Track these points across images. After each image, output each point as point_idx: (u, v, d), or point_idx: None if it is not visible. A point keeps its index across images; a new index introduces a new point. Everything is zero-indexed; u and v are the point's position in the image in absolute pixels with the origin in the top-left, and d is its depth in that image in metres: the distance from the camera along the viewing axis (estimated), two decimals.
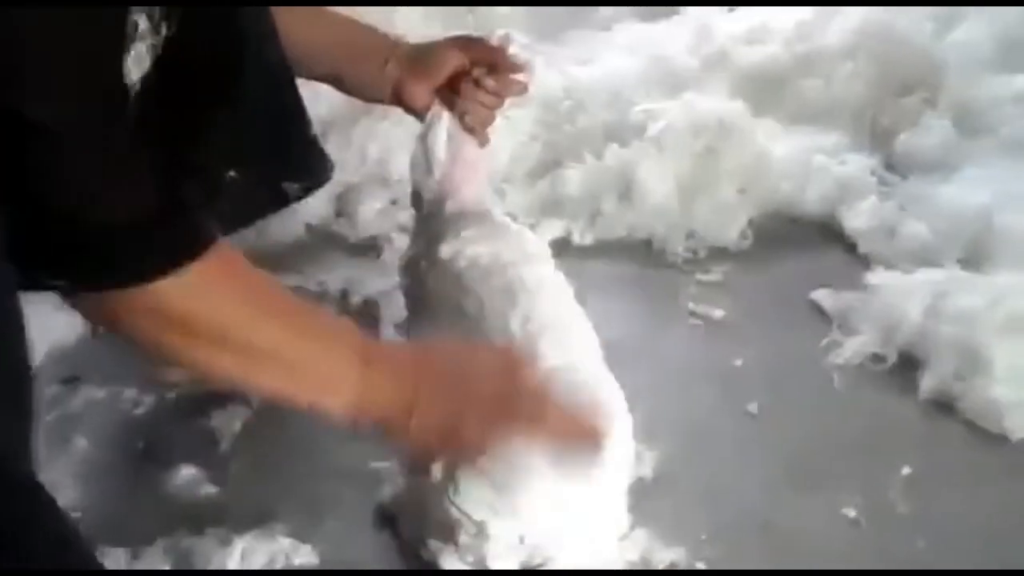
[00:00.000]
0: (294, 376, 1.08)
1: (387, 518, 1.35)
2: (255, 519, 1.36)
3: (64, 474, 1.45)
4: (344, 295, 1.73)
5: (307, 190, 1.45)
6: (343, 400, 1.10)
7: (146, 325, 0.98)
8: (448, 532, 1.22)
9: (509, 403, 1.14)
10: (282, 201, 1.51)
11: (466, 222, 1.40)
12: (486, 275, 1.33)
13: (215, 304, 1.01)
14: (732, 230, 1.85)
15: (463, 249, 1.36)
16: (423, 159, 1.44)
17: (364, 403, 1.10)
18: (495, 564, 1.22)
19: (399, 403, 1.10)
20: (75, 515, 1.37)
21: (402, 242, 1.71)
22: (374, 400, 1.11)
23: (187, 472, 1.44)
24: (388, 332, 1.65)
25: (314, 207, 1.89)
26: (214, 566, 1.30)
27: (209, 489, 1.43)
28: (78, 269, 0.93)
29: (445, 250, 1.36)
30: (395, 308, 1.60)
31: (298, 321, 1.08)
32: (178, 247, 0.97)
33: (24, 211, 0.88)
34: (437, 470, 1.20)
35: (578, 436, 1.16)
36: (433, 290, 1.36)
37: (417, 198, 1.47)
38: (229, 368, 1.04)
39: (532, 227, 1.77)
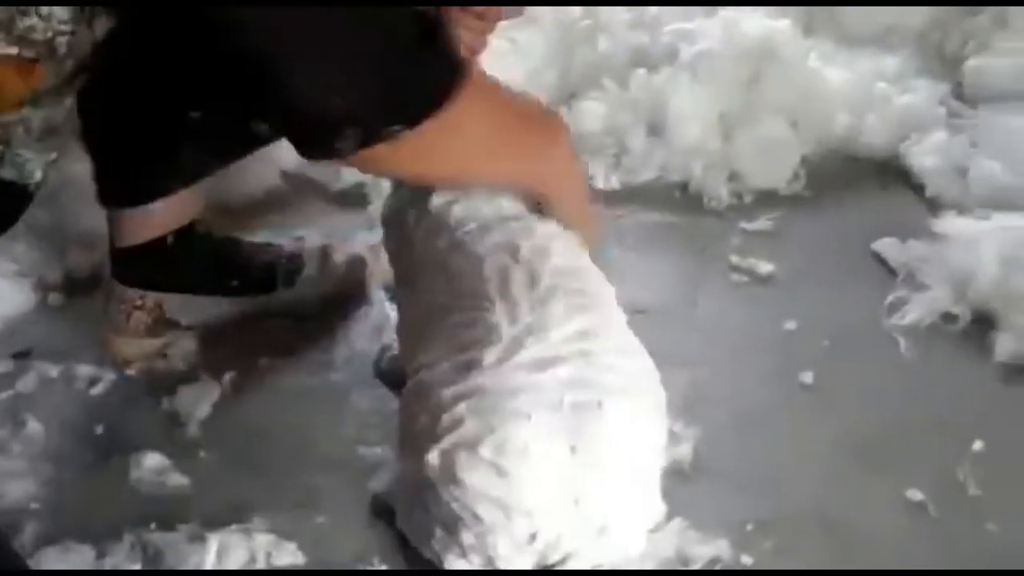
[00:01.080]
0: None
1: (383, 511, 1.35)
2: (230, 513, 1.36)
3: (17, 461, 1.47)
4: (325, 252, 1.71)
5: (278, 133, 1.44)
6: None
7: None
8: (451, 528, 1.22)
9: None
10: (252, 143, 1.51)
11: None
12: (484, 229, 1.30)
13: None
14: (781, 171, 1.84)
15: (457, 198, 1.33)
16: None
17: None
18: (505, 564, 1.21)
19: None
20: (32, 507, 1.40)
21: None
22: None
23: (152, 460, 1.45)
24: (377, 296, 1.65)
25: (290, 150, 1.87)
26: (189, 565, 1.31)
27: (177, 479, 1.43)
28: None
29: (435, 200, 1.34)
30: (386, 266, 1.59)
31: None
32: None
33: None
34: (434, 457, 1.19)
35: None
36: (422, 249, 1.34)
37: None
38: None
39: None
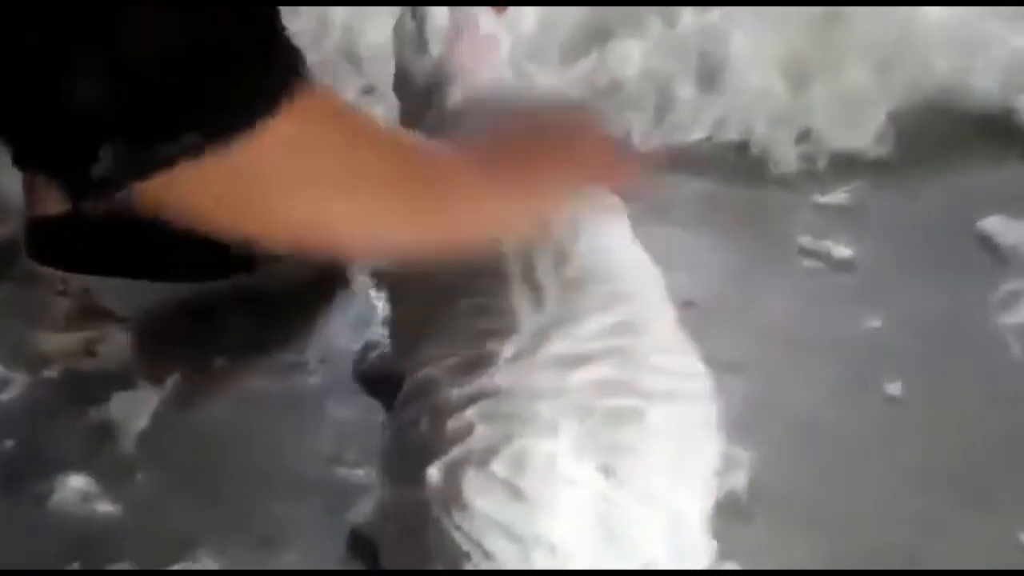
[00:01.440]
0: None
1: (364, 547, 1.38)
2: (173, 550, 1.39)
3: None
4: None
5: None
6: None
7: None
8: (453, 567, 1.22)
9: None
10: None
11: (476, 122, 1.42)
12: None
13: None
14: (864, 130, 1.87)
15: None
16: (414, 29, 1.45)
17: None
18: None
19: None
20: None
21: None
22: None
23: (76, 483, 1.48)
24: (360, 281, 1.70)
25: None
26: None
27: (106, 507, 1.46)
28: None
29: None
30: None
31: None
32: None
33: None
34: (434, 474, 1.22)
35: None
36: None
37: (404, 85, 1.48)
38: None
39: None
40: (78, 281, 1.66)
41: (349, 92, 1.95)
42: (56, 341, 1.64)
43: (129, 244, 1.65)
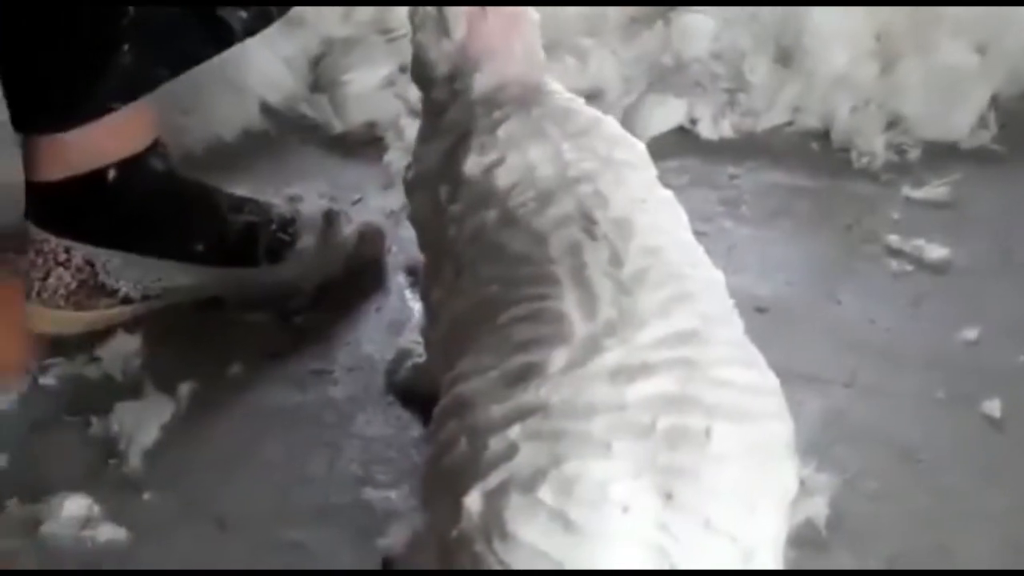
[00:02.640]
0: None
1: None
2: None
3: None
4: (329, 219, 1.75)
5: (260, 21, 1.49)
6: None
7: None
8: None
9: None
10: (223, 37, 1.54)
11: (506, 111, 1.41)
12: (545, 198, 1.34)
13: None
14: (962, 116, 1.86)
15: (504, 157, 1.36)
16: (433, 11, 1.45)
17: None
18: None
19: None
20: None
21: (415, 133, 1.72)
22: None
23: (75, 506, 1.48)
24: (396, 283, 1.70)
25: (275, 77, 1.92)
26: None
27: (111, 532, 1.46)
28: None
29: (473, 163, 1.38)
30: (409, 241, 1.63)
31: None
32: None
33: None
34: (474, 501, 1.21)
35: None
36: (461, 225, 1.38)
37: (424, 73, 1.49)
38: None
39: (626, 112, 1.76)
40: (83, 252, 1.65)
41: (382, 70, 1.94)
42: (54, 319, 1.65)
43: (142, 215, 1.66)
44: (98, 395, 1.61)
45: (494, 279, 1.31)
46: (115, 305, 1.68)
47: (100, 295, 1.67)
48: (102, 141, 1.59)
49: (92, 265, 1.66)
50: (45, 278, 1.65)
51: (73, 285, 1.66)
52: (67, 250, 1.65)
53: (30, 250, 1.65)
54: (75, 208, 1.62)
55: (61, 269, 1.65)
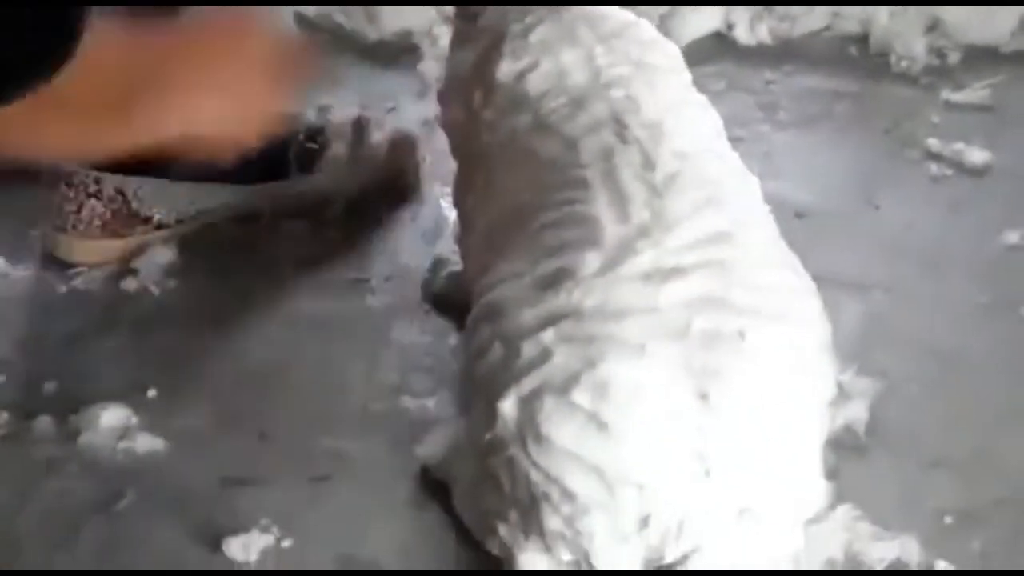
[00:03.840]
0: None
1: (435, 488, 1.38)
2: (218, 489, 1.40)
3: None
4: (359, 127, 1.75)
5: None
6: None
7: None
8: (529, 510, 1.24)
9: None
10: None
11: (539, 14, 1.41)
12: (578, 102, 1.34)
13: None
14: (1004, 19, 1.85)
15: (536, 63, 1.37)
16: None
17: None
18: (605, 560, 1.23)
19: None
20: None
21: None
22: None
23: (113, 416, 1.48)
24: (431, 192, 1.69)
25: None
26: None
27: (150, 443, 1.46)
28: None
29: (505, 69, 1.38)
30: (443, 150, 1.61)
31: None
32: None
33: None
34: (508, 406, 1.22)
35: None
36: (493, 131, 1.38)
37: None
38: None
39: (662, 19, 1.75)
40: (114, 181, 1.66)
41: None
42: (90, 250, 1.66)
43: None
44: (135, 307, 1.61)
45: (526, 185, 1.32)
46: (150, 231, 1.69)
47: (135, 223, 1.68)
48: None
49: (123, 194, 1.67)
50: (79, 211, 1.66)
51: (107, 215, 1.67)
52: (97, 181, 1.65)
53: (60, 184, 1.66)
54: None
55: (93, 200, 1.66)
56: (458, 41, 1.50)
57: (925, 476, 1.37)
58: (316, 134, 1.71)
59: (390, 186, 1.73)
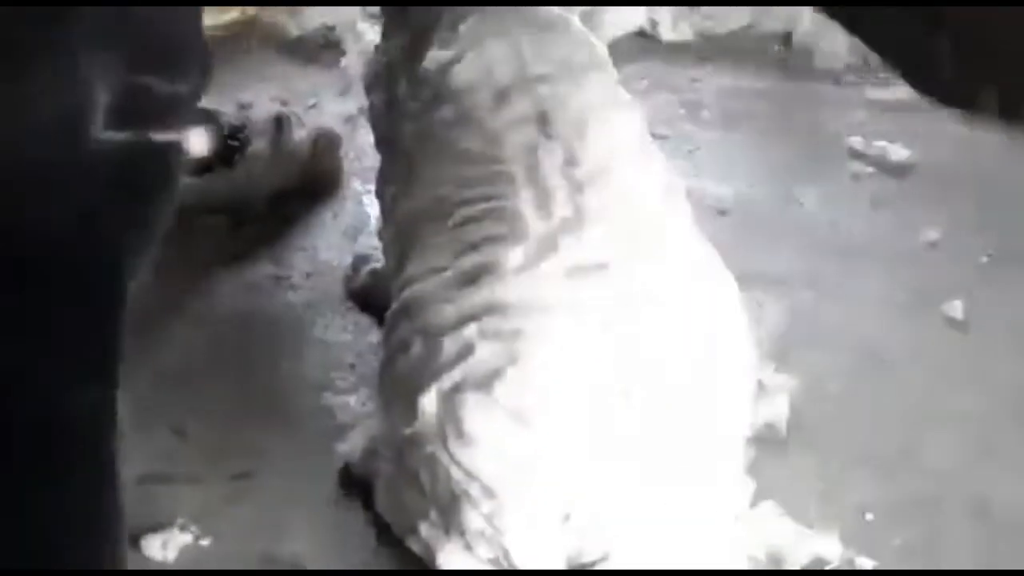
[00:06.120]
0: None
1: (355, 486, 1.38)
2: (141, 484, 1.38)
3: None
4: (281, 125, 1.75)
5: None
6: None
7: None
8: (450, 508, 1.23)
9: None
10: None
11: (471, 8, 1.41)
12: (502, 96, 1.34)
13: None
14: None
15: (463, 54, 1.37)
16: None
17: None
18: (524, 559, 1.23)
19: None
20: None
21: (374, 38, 1.69)
22: None
23: None
24: (352, 188, 1.69)
25: None
26: None
27: None
28: None
29: (432, 57, 1.38)
30: (366, 147, 1.62)
31: None
32: None
33: None
34: (429, 401, 1.21)
35: None
36: (417, 124, 1.38)
37: None
38: None
39: (584, 15, 1.75)
40: None
41: None
42: None
43: None
44: None
45: (448, 178, 1.32)
46: None
47: None
48: None
49: None
50: None
51: None
52: None
53: None
54: None
55: None
56: (388, 28, 1.50)
57: (846, 473, 1.38)
58: (237, 131, 1.70)
59: (311, 183, 1.73)
